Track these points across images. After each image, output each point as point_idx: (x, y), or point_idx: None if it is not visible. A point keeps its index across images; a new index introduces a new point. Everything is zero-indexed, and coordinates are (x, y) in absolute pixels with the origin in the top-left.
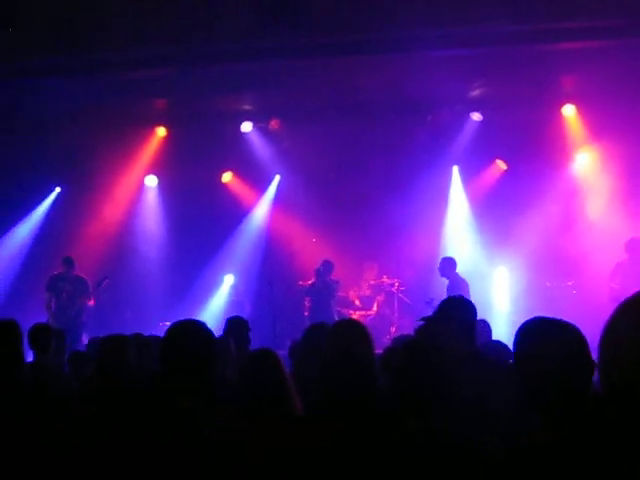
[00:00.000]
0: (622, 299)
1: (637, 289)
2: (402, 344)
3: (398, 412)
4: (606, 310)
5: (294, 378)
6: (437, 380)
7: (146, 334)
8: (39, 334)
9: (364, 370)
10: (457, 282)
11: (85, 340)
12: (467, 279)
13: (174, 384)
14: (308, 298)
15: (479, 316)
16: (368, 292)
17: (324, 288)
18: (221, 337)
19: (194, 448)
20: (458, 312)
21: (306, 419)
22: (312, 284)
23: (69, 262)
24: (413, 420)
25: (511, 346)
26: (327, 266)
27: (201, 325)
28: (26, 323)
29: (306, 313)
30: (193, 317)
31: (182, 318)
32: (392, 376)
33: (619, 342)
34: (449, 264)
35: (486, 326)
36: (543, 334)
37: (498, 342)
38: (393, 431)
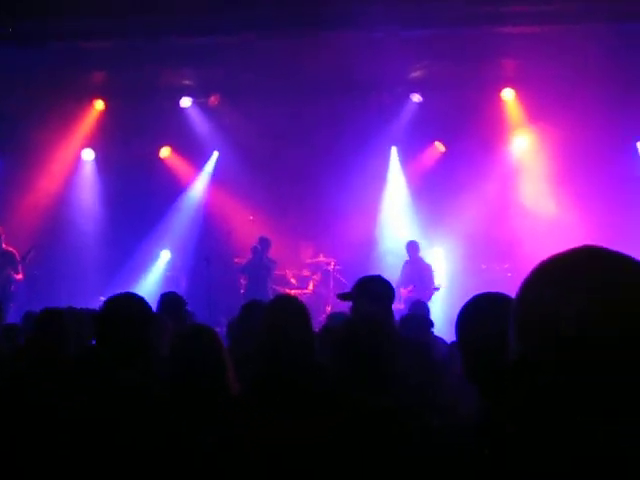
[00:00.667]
0: None
1: None
2: (341, 322)
3: (338, 390)
4: None
5: (231, 355)
6: (375, 357)
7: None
8: None
9: (301, 346)
10: (420, 265)
11: (13, 312)
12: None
13: (110, 357)
14: (244, 276)
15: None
16: (305, 271)
17: (261, 267)
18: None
19: (133, 420)
20: (374, 289)
21: (246, 402)
22: (248, 262)
23: None
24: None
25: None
26: (264, 243)
27: (138, 298)
28: None
29: (242, 290)
30: (129, 291)
31: (117, 292)
32: (332, 353)
33: (531, 313)
34: (411, 247)
35: (424, 307)
36: (480, 312)
37: (415, 316)
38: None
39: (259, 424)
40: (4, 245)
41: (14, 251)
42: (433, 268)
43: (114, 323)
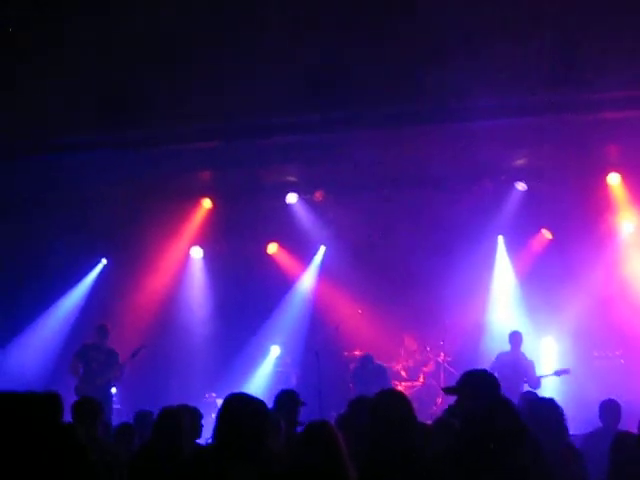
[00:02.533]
0: None
1: None
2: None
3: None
4: None
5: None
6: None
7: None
8: (86, 407)
9: (406, 440)
10: (520, 358)
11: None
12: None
13: (229, 455)
14: (353, 383)
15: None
16: (412, 363)
17: (372, 377)
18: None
19: None
20: (478, 384)
21: None
22: (356, 374)
23: (104, 331)
24: None
25: None
26: (367, 361)
27: (254, 399)
28: (71, 398)
29: (351, 385)
30: (239, 388)
31: (227, 389)
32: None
33: None
34: (515, 338)
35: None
36: None
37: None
38: None
39: None
40: (110, 343)
41: (117, 352)
42: (534, 365)
43: (233, 422)
